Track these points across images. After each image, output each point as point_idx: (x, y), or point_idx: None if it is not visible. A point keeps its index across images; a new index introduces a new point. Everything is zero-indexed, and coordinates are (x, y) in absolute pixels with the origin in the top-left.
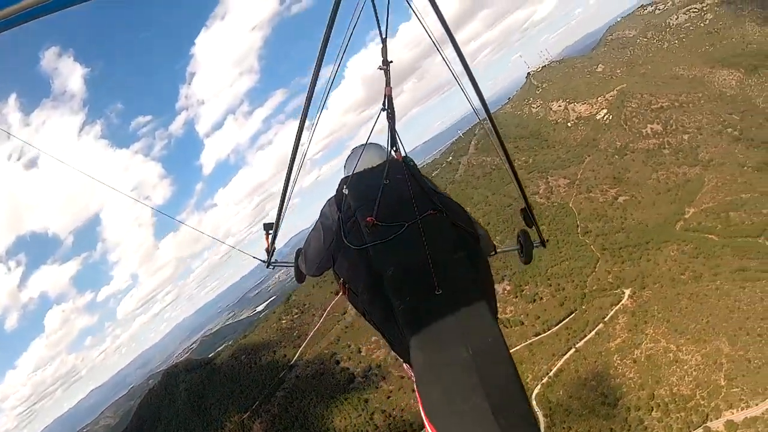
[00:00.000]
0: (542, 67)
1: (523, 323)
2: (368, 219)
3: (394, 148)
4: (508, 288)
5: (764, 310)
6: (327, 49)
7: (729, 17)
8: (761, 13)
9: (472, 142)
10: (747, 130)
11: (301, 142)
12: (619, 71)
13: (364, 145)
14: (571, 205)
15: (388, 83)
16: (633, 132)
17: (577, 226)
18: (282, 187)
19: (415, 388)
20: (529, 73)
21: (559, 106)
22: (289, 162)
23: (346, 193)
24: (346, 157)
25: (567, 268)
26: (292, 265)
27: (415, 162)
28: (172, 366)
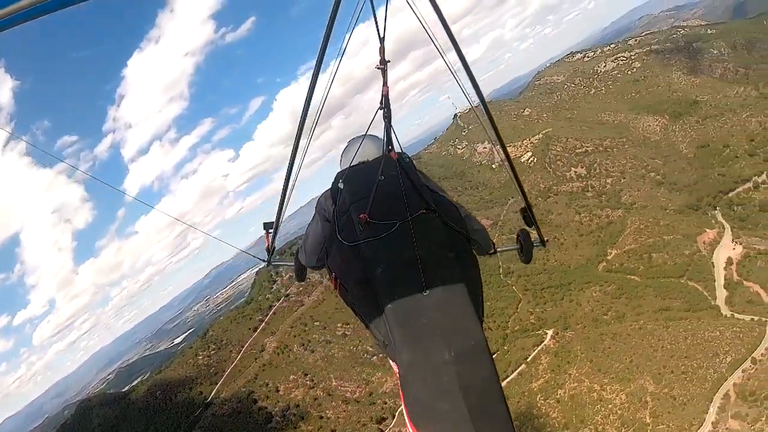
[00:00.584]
0: (469, 108)
1: None
2: (361, 216)
3: (390, 148)
4: None
5: (687, 349)
6: (327, 49)
7: (657, 66)
8: (688, 63)
9: None
10: (670, 175)
11: (301, 142)
12: (545, 115)
13: (361, 137)
14: None
15: (385, 83)
16: (557, 175)
17: (499, 266)
18: (282, 187)
19: (400, 388)
20: (456, 115)
21: (485, 147)
22: (289, 161)
23: (342, 186)
24: (343, 148)
25: (489, 309)
26: (292, 264)
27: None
28: (86, 399)
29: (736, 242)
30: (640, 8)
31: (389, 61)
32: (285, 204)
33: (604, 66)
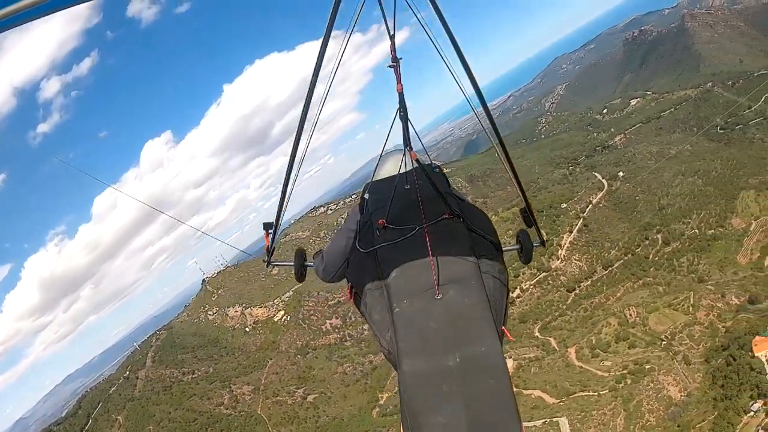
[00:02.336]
0: (217, 272)
1: None
2: (379, 221)
3: (408, 147)
4: None
5: None
6: (326, 49)
7: None
8: None
9: (149, 355)
10: None
11: (300, 141)
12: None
13: (392, 152)
14: (259, 411)
15: (399, 81)
16: (313, 330)
17: None
18: (282, 187)
19: (399, 398)
20: (204, 280)
21: (236, 311)
22: (288, 161)
23: (367, 197)
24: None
25: None
26: (292, 264)
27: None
28: None
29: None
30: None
31: (401, 59)
32: (285, 205)
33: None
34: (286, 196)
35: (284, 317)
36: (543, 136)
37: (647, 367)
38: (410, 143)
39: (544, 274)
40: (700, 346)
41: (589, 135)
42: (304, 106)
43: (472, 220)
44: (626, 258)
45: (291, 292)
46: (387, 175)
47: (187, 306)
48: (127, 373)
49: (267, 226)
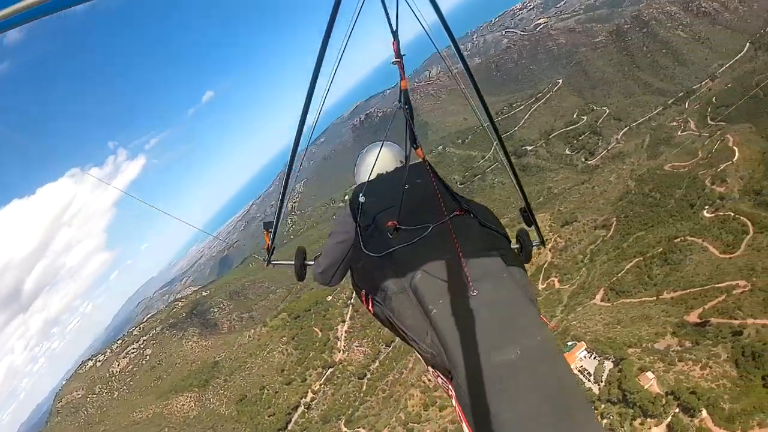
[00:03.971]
0: None
1: None
2: (389, 223)
3: (414, 146)
4: None
5: None
6: (326, 49)
7: (170, 344)
8: (197, 330)
9: None
10: None
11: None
12: None
13: (375, 146)
14: None
15: (403, 77)
16: None
17: None
18: (281, 187)
19: (456, 402)
20: None
21: None
22: (288, 161)
23: (363, 201)
24: (355, 163)
25: None
26: (292, 264)
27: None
28: None
29: None
30: (135, 296)
31: (404, 55)
32: (284, 204)
33: (118, 365)
34: (285, 198)
35: None
36: (292, 237)
37: None
38: (417, 141)
39: (330, 369)
40: None
41: None
42: (304, 106)
43: (480, 215)
44: None
45: None
46: (373, 172)
47: None
48: None
49: (267, 225)
